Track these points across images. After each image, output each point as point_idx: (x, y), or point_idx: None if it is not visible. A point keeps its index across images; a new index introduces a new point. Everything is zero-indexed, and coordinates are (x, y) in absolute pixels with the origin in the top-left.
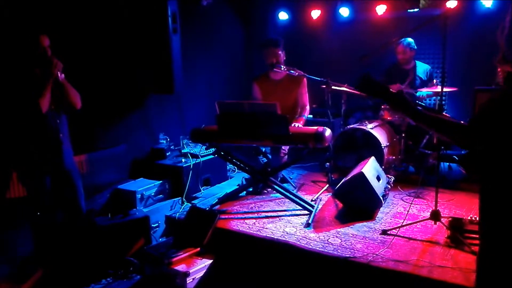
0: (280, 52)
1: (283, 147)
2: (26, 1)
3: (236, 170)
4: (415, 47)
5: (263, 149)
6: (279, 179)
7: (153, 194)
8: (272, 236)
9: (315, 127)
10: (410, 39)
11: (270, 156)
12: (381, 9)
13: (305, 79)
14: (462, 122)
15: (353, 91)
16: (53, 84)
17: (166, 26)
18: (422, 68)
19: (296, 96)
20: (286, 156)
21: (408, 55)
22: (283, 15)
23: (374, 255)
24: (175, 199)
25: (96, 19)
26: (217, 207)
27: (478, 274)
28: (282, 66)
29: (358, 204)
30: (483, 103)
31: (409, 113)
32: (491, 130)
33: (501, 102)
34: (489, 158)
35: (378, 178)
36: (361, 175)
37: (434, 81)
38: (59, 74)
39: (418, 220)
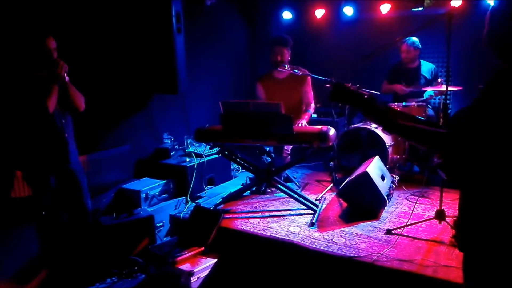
0: (286, 52)
1: (285, 147)
2: (31, 3)
3: (240, 170)
4: (420, 46)
5: (267, 149)
6: (282, 178)
7: (157, 193)
8: (276, 236)
9: (319, 127)
10: (414, 38)
11: (273, 156)
12: (385, 8)
13: (309, 77)
14: (439, 129)
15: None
16: (59, 85)
17: (170, 26)
18: (427, 67)
19: (300, 95)
20: (289, 156)
21: (412, 54)
22: (287, 15)
23: (379, 255)
24: (179, 198)
25: (100, 19)
26: (221, 206)
27: (464, 270)
28: (286, 66)
29: (362, 203)
30: (462, 108)
31: (380, 121)
32: (472, 135)
33: (483, 105)
34: (469, 162)
35: (383, 178)
36: (366, 175)
37: (439, 80)
38: (65, 76)
39: (423, 219)
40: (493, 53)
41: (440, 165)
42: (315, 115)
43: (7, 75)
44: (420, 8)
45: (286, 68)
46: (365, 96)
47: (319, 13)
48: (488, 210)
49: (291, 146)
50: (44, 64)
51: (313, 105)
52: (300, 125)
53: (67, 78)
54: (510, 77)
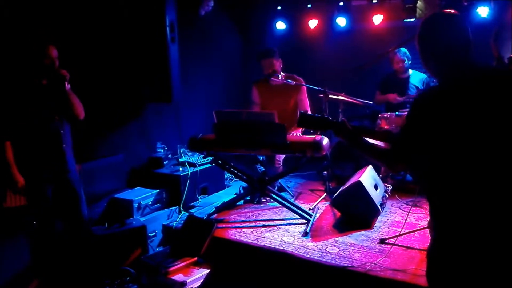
0: (275, 61)
1: (278, 157)
2: (31, 15)
3: (234, 179)
4: (410, 56)
5: (261, 158)
6: (276, 187)
7: (150, 203)
8: (270, 245)
9: (313, 136)
10: (404, 49)
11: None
12: (377, 19)
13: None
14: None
15: (350, 100)
16: (58, 94)
17: (164, 36)
18: (418, 77)
19: (295, 103)
20: (281, 166)
21: (405, 64)
22: (280, 25)
23: (372, 264)
24: (172, 208)
25: (94, 29)
26: (214, 216)
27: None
28: (279, 75)
29: (356, 213)
30: (402, 124)
31: (348, 140)
32: (412, 151)
33: (418, 112)
34: (424, 179)
35: (376, 187)
36: (359, 184)
37: None
38: (66, 84)
39: (416, 229)
40: (428, 70)
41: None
42: None
43: (8, 83)
44: (412, 19)
45: (280, 77)
46: (332, 120)
47: (313, 23)
48: (441, 217)
49: (283, 156)
50: (45, 73)
51: (309, 112)
52: (294, 135)
53: (68, 86)
54: (433, 92)
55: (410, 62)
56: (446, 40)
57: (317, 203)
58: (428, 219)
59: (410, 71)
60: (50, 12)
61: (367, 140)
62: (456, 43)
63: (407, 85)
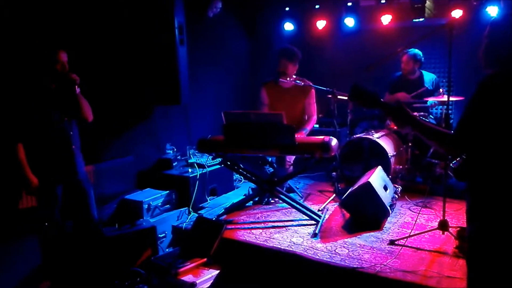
0: (291, 66)
1: (288, 158)
2: (40, 20)
3: (243, 180)
4: (422, 60)
5: (269, 159)
6: (285, 189)
7: (160, 204)
8: (279, 246)
9: (322, 137)
10: (417, 50)
11: (276, 167)
12: (386, 19)
13: (313, 89)
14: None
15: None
16: (67, 96)
17: (173, 38)
18: (428, 78)
19: (303, 106)
20: (291, 167)
21: (411, 66)
22: (288, 26)
23: (382, 266)
24: (181, 209)
25: (104, 31)
26: (223, 217)
27: (468, 276)
28: (288, 78)
29: (365, 214)
30: (465, 108)
31: (405, 119)
32: (475, 134)
33: (481, 103)
34: (476, 162)
35: (385, 188)
36: (368, 185)
37: (441, 90)
38: (76, 88)
39: (426, 230)
40: (486, 66)
41: (454, 170)
42: (317, 126)
43: (18, 87)
44: (421, 19)
45: (288, 79)
46: (384, 101)
47: (321, 24)
48: (491, 210)
49: (293, 157)
50: (55, 77)
51: (314, 117)
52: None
53: (78, 90)
54: (500, 77)
55: (420, 64)
56: None
57: (326, 204)
58: (468, 205)
59: (420, 72)
60: (59, 16)
61: (424, 122)
62: None
63: (417, 85)
